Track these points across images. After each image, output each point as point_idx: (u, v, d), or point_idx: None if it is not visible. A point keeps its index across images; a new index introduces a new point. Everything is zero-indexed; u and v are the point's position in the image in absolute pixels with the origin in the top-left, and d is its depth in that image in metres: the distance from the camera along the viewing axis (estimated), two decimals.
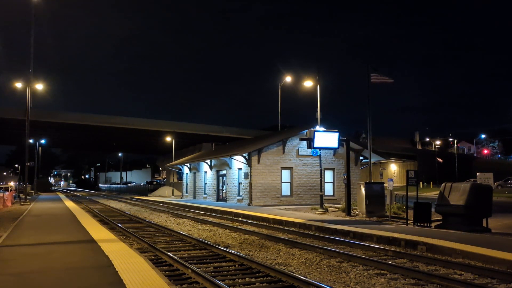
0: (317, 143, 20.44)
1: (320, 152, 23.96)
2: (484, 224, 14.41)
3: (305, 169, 28.94)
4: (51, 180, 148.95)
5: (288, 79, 40.31)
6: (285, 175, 28.63)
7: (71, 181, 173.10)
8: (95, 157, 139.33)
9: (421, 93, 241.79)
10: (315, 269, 9.21)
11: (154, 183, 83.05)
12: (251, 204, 27.32)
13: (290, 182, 28.65)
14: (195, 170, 40.16)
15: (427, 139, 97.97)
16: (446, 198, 14.79)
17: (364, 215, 18.77)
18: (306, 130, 23.07)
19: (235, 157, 29.15)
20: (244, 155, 28.17)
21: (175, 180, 62.92)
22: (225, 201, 32.19)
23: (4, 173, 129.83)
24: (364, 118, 23.51)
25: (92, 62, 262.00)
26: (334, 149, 24.99)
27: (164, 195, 51.70)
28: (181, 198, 43.26)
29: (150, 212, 26.91)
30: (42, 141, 69.10)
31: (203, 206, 26.87)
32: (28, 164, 39.89)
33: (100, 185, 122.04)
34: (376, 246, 11.54)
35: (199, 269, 8.63)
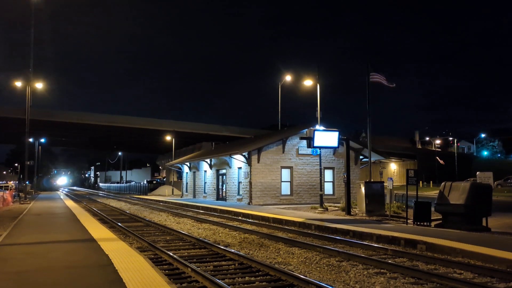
0: (317, 142, 20.44)
1: (320, 151, 23.97)
2: (484, 223, 14.40)
3: (305, 168, 28.94)
4: (51, 179, 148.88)
5: (288, 78, 40.23)
6: (285, 174, 28.63)
7: (71, 180, 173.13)
8: (95, 156, 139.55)
9: (421, 92, 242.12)
10: (314, 268, 9.21)
11: (154, 182, 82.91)
12: (251, 203, 27.32)
13: (290, 181, 28.65)
14: (195, 169, 40.16)
15: (427, 139, 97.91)
16: (446, 197, 14.78)
17: (364, 214, 18.78)
18: (306, 129, 23.07)
19: (235, 156, 29.15)
20: (244, 154, 28.16)
21: (175, 179, 62.89)
22: (225, 200, 32.19)
23: (4, 172, 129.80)
24: (364, 117, 23.49)
25: (93, 61, 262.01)
26: (334, 148, 25.00)
27: (164, 194, 51.73)
28: (181, 197, 43.25)
29: (150, 211, 26.91)
30: (42, 140, 69.02)
31: (203, 205, 26.88)
32: (28, 163, 39.88)
33: (100, 184, 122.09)
34: (376, 245, 11.54)
35: (199, 268, 8.63)
